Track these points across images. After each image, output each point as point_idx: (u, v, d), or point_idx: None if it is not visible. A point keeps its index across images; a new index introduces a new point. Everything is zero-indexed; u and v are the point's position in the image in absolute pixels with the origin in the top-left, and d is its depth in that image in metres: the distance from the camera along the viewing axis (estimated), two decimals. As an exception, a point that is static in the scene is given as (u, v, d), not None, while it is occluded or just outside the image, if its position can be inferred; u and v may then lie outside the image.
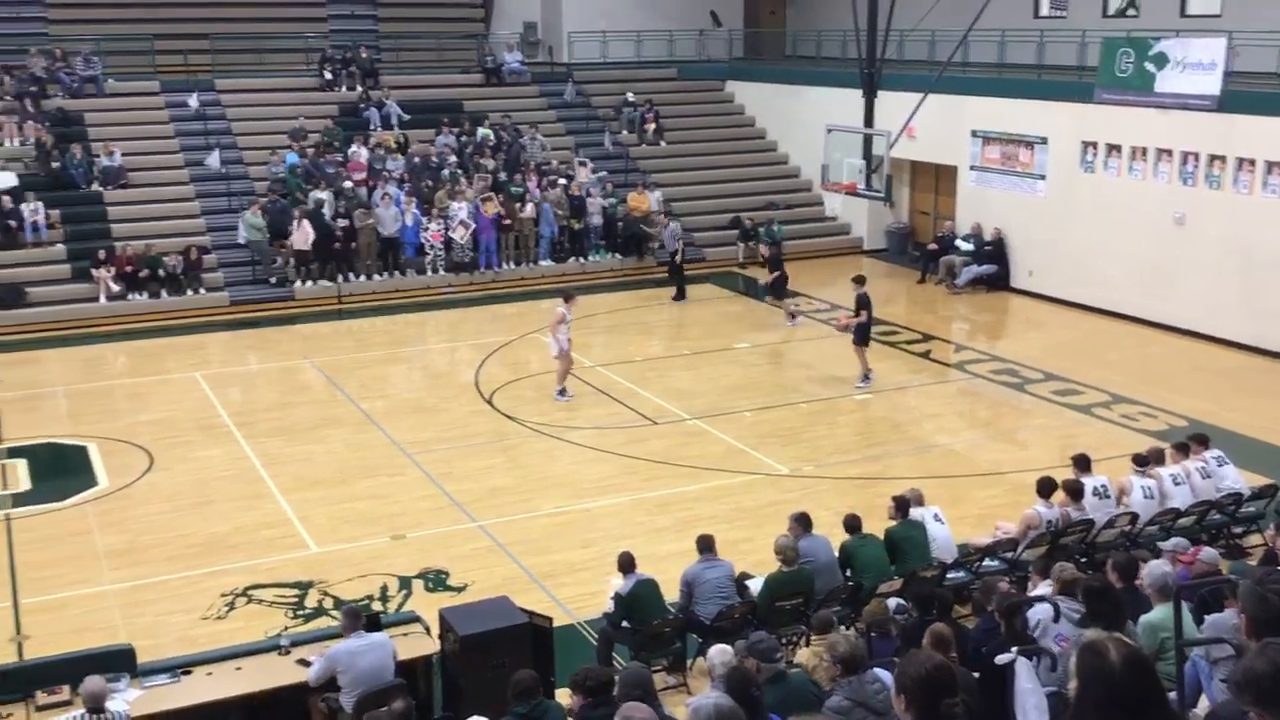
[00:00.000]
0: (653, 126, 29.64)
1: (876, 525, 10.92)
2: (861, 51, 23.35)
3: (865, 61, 23.29)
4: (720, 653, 7.65)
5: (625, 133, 29.60)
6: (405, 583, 11.81)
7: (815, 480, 14.42)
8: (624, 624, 9.83)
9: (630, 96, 30.21)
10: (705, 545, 10.17)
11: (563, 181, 26.38)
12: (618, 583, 10.03)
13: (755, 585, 10.26)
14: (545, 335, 17.82)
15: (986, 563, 11.21)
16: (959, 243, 24.71)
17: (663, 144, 29.56)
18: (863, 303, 17.51)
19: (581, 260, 25.89)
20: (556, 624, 9.64)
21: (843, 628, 9.12)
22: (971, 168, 25.00)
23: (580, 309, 18.70)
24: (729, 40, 33.49)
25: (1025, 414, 17.37)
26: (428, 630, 9.52)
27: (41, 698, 8.46)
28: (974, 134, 24.71)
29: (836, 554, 10.53)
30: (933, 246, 25.24)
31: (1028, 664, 5.76)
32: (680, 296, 23.47)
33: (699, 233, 27.36)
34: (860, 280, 17.96)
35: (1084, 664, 3.62)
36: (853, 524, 10.70)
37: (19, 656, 10.31)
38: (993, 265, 24.04)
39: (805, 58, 32.05)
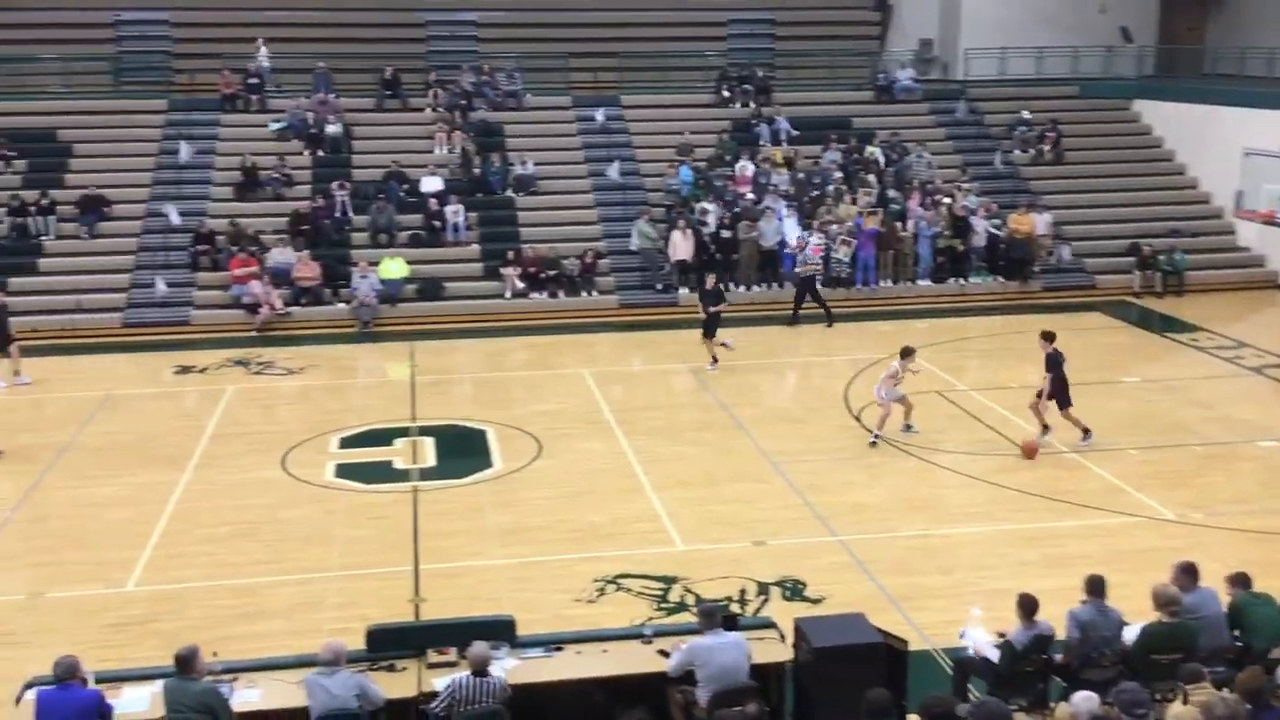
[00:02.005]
0: (1048, 147, 28.50)
1: (1272, 585, 10.02)
2: (1292, 69, 21.43)
3: (1296, 80, 21.35)
4: (1085, 700, 7.34)
5: (1018, 152, 28.63)
6: (764, 588, 12.07)
7: (1205, 530, 13.39)
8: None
9: (1026, 114, 29.17)
10: (1097, 588, 9.48)
11: (946, 201, 25.89)
12: (1004, 632, 9.34)
13: (1130, 634, 9.68)
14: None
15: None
16: (1398, 282, 22.11)
17: (1060, 164, 28.35)
18: (1053, 362, 15.79)
19: (961, 282, 25.28)
20: (911, 648, 9.54)
21: (1225, 690, 8.46)
22: None
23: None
24: (1138, 57, 31.63)
25: None
26: (782, 638, 9.67)
27: (432, 656, 9.08)
28: None
29: (1225, 610, 9.77)
30: (1365, 284, 22.76)
31: None
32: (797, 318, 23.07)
33: (1091, 259, 26.03)
34: (1049, 336, 16.10)
35: None
36: (1243, 580, 9.87)
37: (416, 616, 11.38)
38: None
39: (1225, 75, 29.74)
